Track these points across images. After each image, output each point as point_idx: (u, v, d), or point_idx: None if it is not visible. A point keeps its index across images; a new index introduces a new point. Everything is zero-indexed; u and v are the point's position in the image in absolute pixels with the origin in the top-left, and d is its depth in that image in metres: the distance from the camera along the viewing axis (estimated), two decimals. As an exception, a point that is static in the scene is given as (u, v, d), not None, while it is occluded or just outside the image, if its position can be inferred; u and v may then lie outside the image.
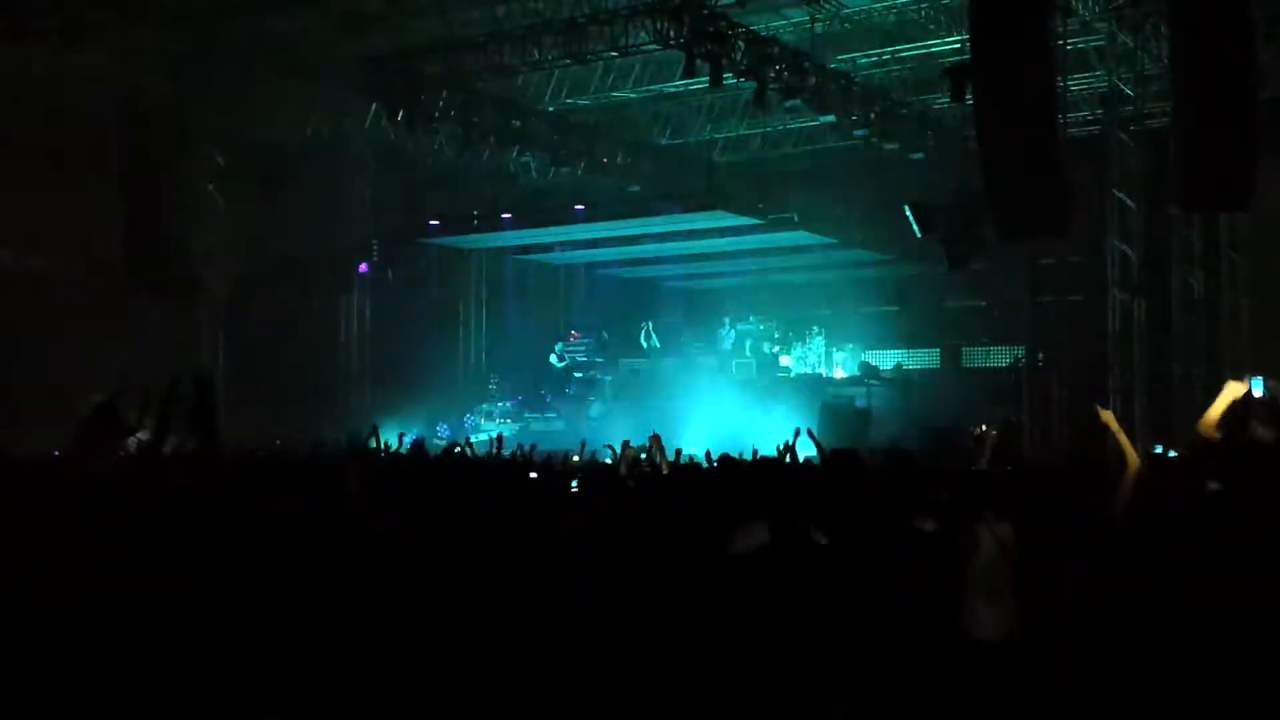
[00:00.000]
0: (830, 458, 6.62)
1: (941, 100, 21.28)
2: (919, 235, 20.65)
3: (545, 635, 4.10)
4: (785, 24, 20.74)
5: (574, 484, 10.57)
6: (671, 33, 18.89)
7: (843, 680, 4.38)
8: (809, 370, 29.55)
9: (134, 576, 5.16)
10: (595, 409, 28.22)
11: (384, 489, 7.50)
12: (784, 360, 30.12)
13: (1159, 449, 9.89)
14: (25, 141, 21.86)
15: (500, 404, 29.87)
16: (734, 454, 10.95)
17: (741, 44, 19.32)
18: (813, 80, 20.84)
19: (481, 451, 14.46)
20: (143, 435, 9.53)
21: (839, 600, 4.69)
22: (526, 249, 30.32)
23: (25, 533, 5.55)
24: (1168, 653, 3.48)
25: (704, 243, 27.97)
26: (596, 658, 3.92)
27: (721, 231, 26.79)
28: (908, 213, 20.44)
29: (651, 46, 19.52)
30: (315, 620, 4.80)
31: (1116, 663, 3.49)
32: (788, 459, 8.85)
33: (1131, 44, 19.43)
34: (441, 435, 23.92)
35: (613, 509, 5.53)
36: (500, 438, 15.32)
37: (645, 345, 30.50)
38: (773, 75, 20.03)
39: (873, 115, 22.30)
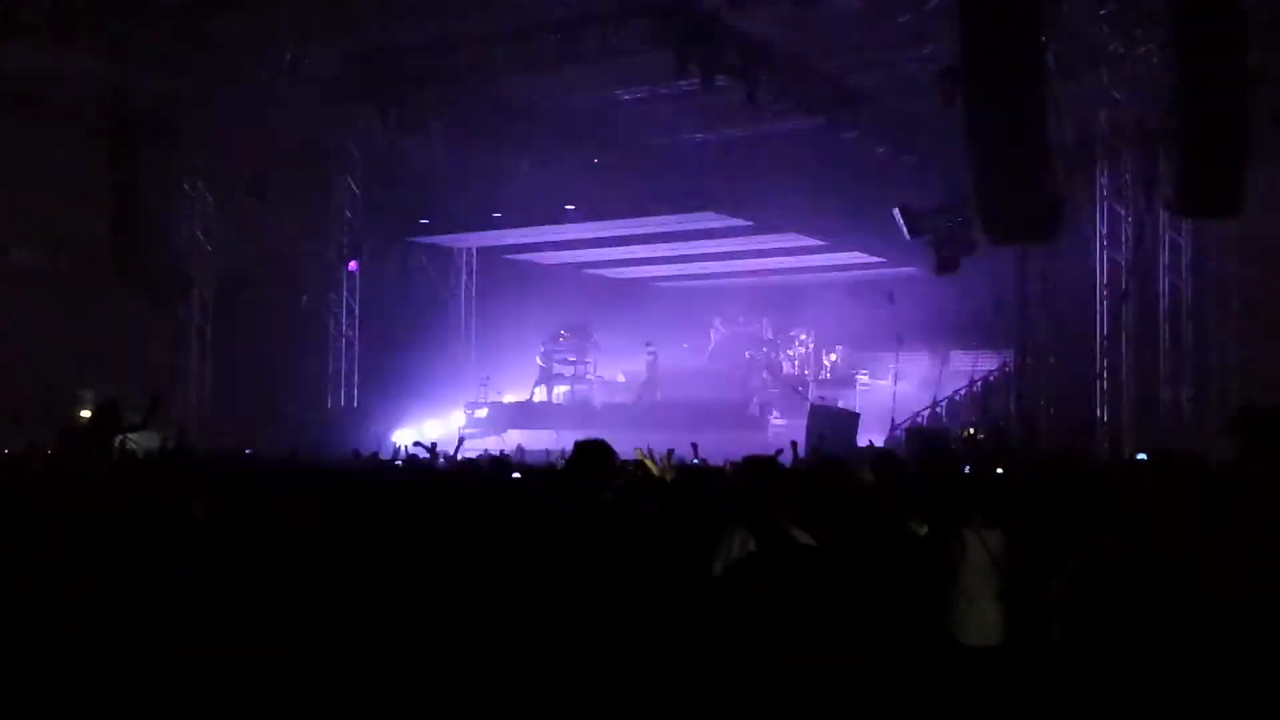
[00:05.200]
0: (821, 466, 6.61)
1: (932, 103, 21.28)
2: (909, 238, 20.66)
3: (528, 643, 4.09)
4: (777, 26, 20.71)
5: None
6: (663, 34, 18.87)
7: (832, 686, 4.37)
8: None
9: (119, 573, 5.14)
10: None
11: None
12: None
13: (1141, 455, 9.89)
14: (12, 138, 21.78)
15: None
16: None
17: (733, 46, 19.31)
18: (803, 83, 20.84)
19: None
20: (134, 435, 9.59)
21: (828, 604, 4.67)
22: (517, 249, 30.32)
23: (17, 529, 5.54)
24: (1158, 657, 3.48)
25: (694, 243, 27.99)
26: (583, 666, 3.90)
27: (711, 232, 26.80)
28: (897, 215, 20.45)
29: (643, 48, 19.48)
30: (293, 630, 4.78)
31: (1105, 667, 3.49)
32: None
33: (1122, 49, 19.47)
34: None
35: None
36: None
37: None
38: (764, 77, 20.02)
39: (863, 118, 22.31)
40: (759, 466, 6.25)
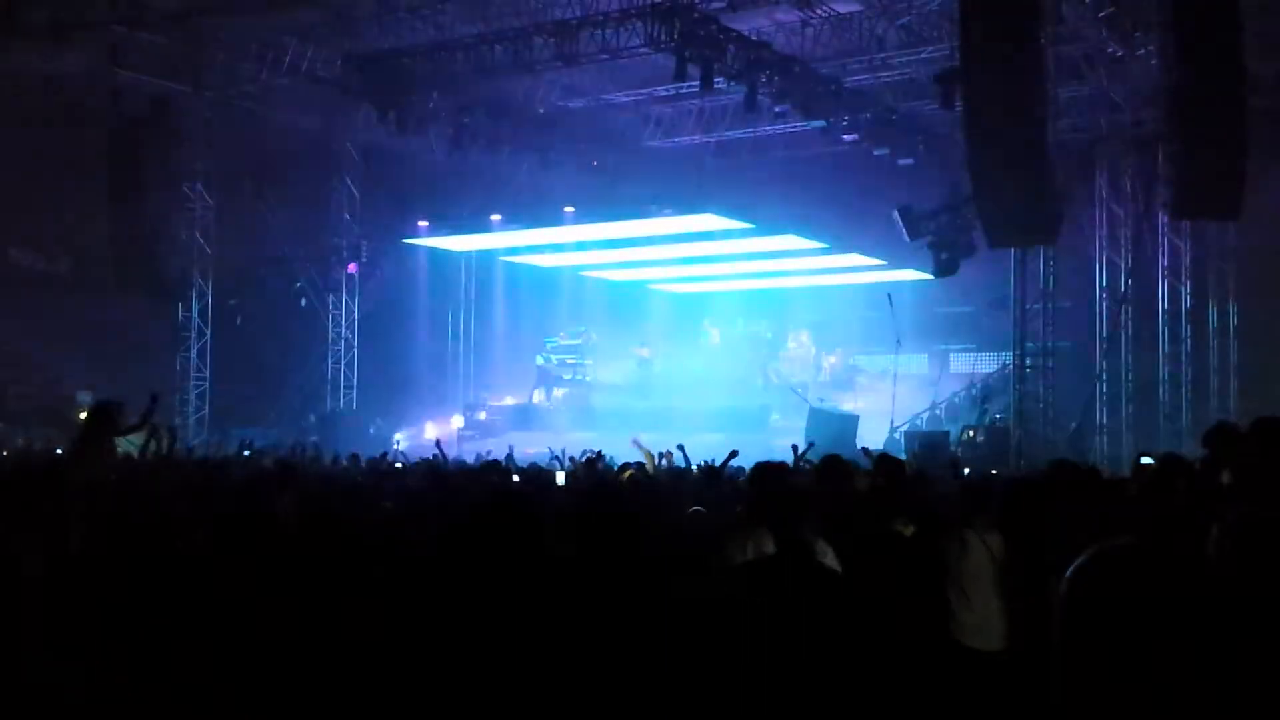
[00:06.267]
0: (820, 465, 6.62)
1: (931, 106, 21.31)
2: (908, 240, 20.68)
3: (532, 642, 4.09)
4: (776, 28, 20.74)
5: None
6: (663, 36, 18.86)
7: (832, 689, 4.37)
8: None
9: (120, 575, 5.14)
10: None
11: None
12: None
13: (1146, 460, 9.87)
14: (14, 140, 21.79)
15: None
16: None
17: (732, 48, 19.31)
18: (803, 85, 20.85)
19: None
20: (133, 437, 9.56)
21: (826, 608, 4.68)
22: (516, 251, 30.30)
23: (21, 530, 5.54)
24: (1159, 660, 3.49)
25: (694, 246, 27.97)
26: (586, 661, 3.91)
27: (711, 235, 26.79)
28: (897, 218, 20.47)
29: (643, 50, 19.48)
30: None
31: (1106, 671, 3.49)
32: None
33: (1121, 52, 19.50)
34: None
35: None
36: None
37: None
38: (763, 80, 20.03)
39: (863, 120, 22.32)
40: (771, 473, 6.28)
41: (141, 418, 10.21)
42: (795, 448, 11.30)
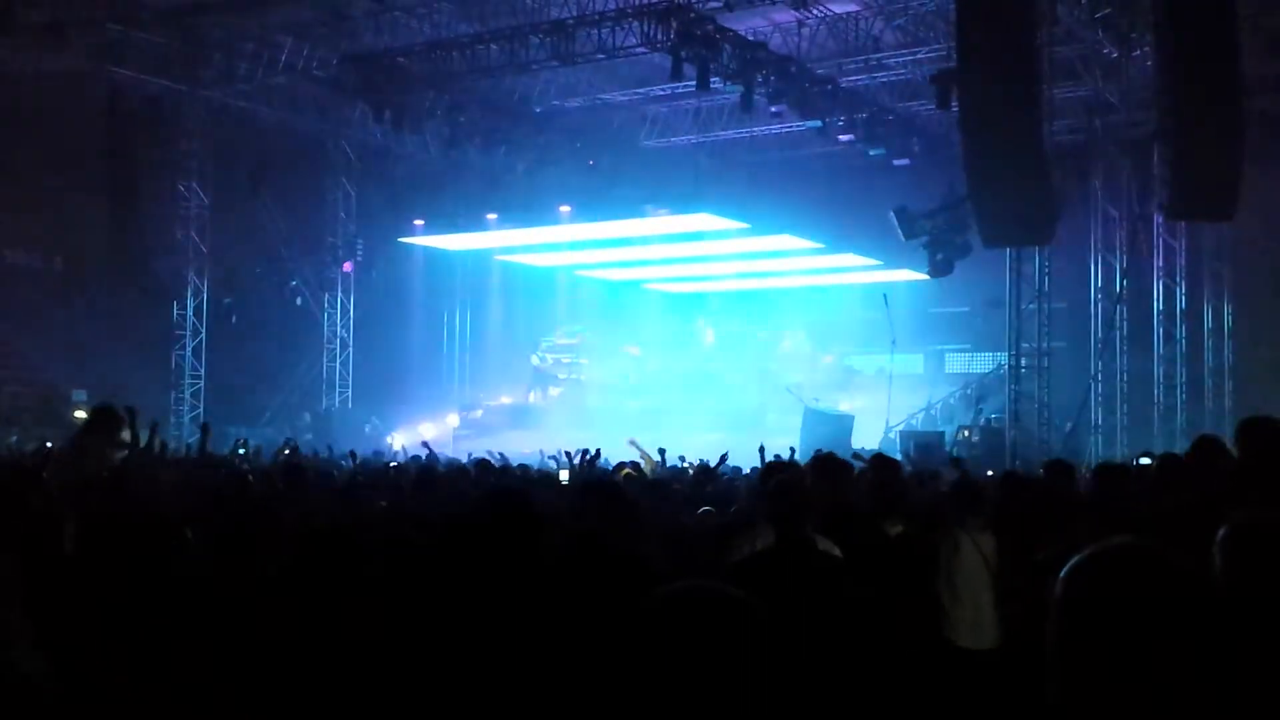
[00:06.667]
0: (815, 462, 6.63)
1: (927, 106, 21.33)
2: (904, 240, 20.69)
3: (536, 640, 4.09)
4: (772, 28, 20.75)
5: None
6: (659, 36, 18.87)
7: (826, 690, 4.38)
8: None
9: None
10: None
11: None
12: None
13: (1145, 460, 9.90)
14: (9, 138, 21.76)
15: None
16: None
17: (728, 48, 19.32)
18: (799, 85, 20.85)
19: None
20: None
21: (826, 596, 4.69)
22: (511, 250, 30.28)
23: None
24: (1155, 659, 3.49)
25: (689, 245, 27.96)
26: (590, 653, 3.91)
27: (706, 235, 26.78)
28: (893, 218, 20.48)
29: (639, 49, 19.49)
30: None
31: (1100, 670, 3.49)
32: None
33: (1116, 54, 19.51)
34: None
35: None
36: None
37: None
38: (759, 79, 20.04)
39: (859, 121, 22.32)
40: (779, 471, 6.30)
41: (131, 434, 10.12)
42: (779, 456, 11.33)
